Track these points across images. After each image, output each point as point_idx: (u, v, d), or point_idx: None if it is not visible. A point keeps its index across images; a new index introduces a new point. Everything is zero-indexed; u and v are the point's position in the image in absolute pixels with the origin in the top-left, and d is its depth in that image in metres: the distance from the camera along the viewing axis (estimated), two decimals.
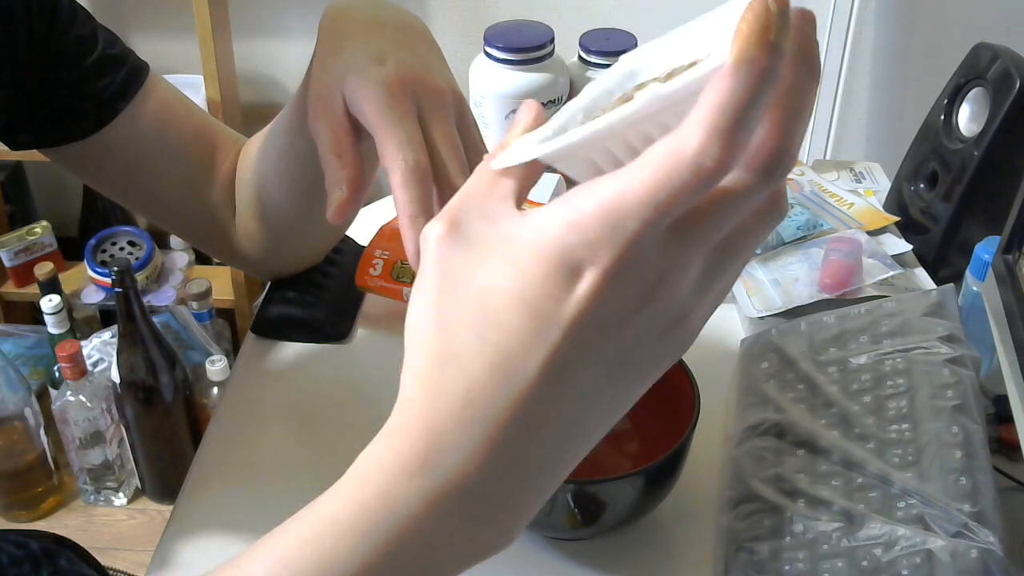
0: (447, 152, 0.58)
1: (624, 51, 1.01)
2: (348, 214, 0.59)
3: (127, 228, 1.91)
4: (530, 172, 0.37)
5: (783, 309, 0.85)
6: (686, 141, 0.30)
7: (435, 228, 0.36)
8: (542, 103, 1.00)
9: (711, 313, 0.37)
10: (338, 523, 0.37)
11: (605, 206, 0.32)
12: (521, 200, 0.36)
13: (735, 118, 0.30)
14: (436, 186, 0.57)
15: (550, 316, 0.33)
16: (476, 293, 0.34)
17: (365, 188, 0.60)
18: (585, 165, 0.36)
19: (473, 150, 0.60)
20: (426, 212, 0.55)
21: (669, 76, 0.34)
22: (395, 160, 0.55)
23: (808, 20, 0.32)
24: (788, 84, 0.31)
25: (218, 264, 1.96)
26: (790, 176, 1.03)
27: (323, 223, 0.64)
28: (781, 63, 0.30)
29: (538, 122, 0.38)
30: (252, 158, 0.78)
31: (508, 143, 0.38)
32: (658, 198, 0.31)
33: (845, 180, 1.05)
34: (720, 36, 0.31)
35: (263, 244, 0.81)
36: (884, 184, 1.04)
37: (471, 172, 0.57)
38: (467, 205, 0.37)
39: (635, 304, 0.33)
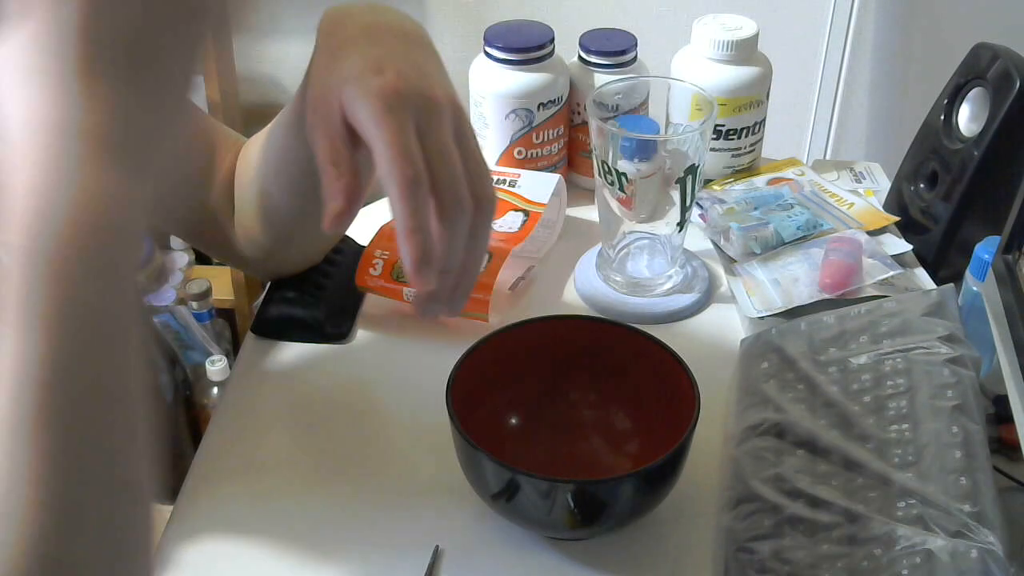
0: (444, 164, 0.58)
1: (624, 51, 1.01)
2: (344, 224, 0.60)
3: None
4: None
5: (783, 309, 0.85)
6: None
7: None
8: (542, 103, 1.00)
9: None
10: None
11: None
12: None
13: None
14: (433, 198, 0.57)
15: None
16: None
17: (362, 197, 0.60)
18: None
19: (471, 161, 0.60)
20: (423, 224, 0.55)
21: None
22: (392, 172, 0.55)
23: None
24: None
25: (218, 264, 1.95)
26: (790, 176, 1.03)
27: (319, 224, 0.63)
28: None
29: None
30: (252, 158, 0.78)
31: None
32: None
33: (845, 180, 1.05)
34: None
35: (262, 244, 0.81)
36: (884, 184, 1.04)
37: (468, 183, 0.58)
38: None
39: None
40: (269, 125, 0.75)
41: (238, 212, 0.80)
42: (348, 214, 0.59)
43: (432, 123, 0.58)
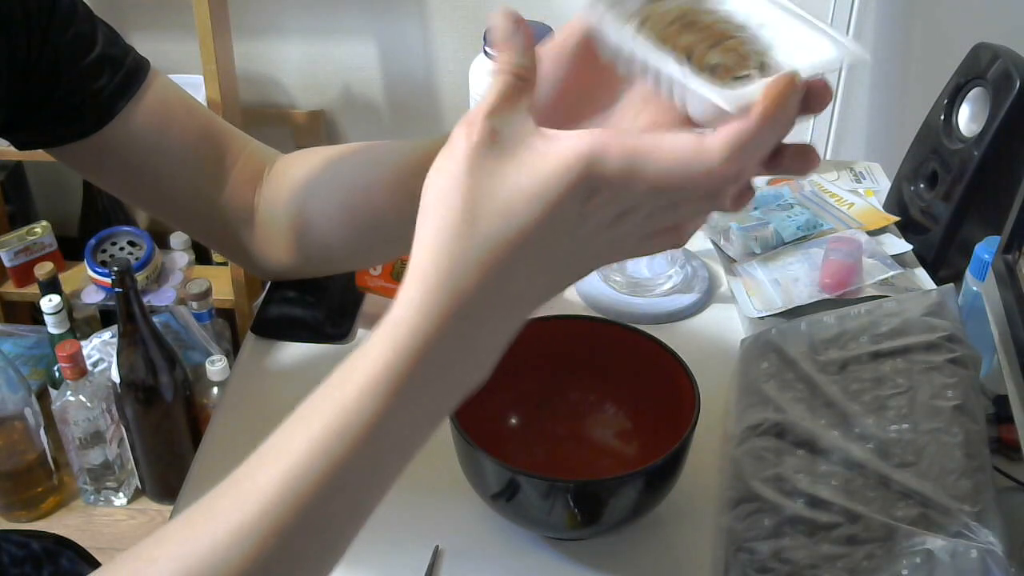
0: None
1: None
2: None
3: (127, 228, 1.91)
4: (529, 85, 0.45)
5: (783, 309, 0.85)
6: (712, 149, 0.41)
7: (473, 133, 0.43)
8: None
9: (648, 247, 0.47)
10: (356, 370, 0.43)
11: (632, 155, 0.41)
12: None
13: (748, 146, 0.41)
14: None
15: (563, 220, 0.42)
16: (504, 191, 0.42)
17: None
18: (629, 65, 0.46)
19: None
20: None
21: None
22: None
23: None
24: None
25: (218, 264, 1.95)
26: (790, 176, 1.03)
27: (365, 260, 0.63)
28: (788, 122, 0.43)
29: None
30: (301, 178, 0.77)
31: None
32: (672, 176, 0.41)
33: (845, 180, 1.05)
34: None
35: (290, 260, 0.79)
36: (884, 184, 1.04)
37: None
38: (499, 116, 0.43)
39: (608, 223, 0.43)
40: (351, 151, 0.76)
41: (267, 225, 0.79)
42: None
43: None
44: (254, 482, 0.43)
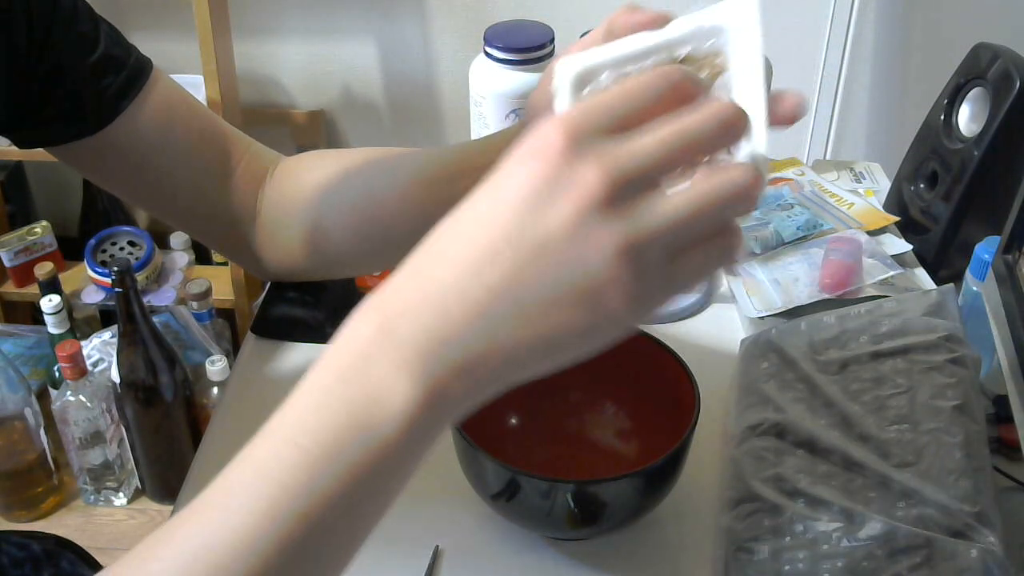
0: None
1: None
2: None
3: (127, 228, 1.91)
4: None
5: (783, 309, 0.85)
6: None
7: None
8: None
9: (696, 261, 0.40)
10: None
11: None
12: None
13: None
14: None
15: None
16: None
17: None
18: None
19: None
20: None
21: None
22: None
23: None
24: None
25: (218, 264, 1.95)
26: (790, 176, 1.03)
27: (372, 266, 0.62)
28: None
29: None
30: (314, 184, 0.77)
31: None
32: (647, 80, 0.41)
33: (845, 180, 1.05)
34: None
35: (298, 264, 0.80)
36: (884, 184, 1.04)
37: None
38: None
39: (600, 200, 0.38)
40: (361, 162, 0.76)
41: (274, 228, 0.79)
42: None
43: None
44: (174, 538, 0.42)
